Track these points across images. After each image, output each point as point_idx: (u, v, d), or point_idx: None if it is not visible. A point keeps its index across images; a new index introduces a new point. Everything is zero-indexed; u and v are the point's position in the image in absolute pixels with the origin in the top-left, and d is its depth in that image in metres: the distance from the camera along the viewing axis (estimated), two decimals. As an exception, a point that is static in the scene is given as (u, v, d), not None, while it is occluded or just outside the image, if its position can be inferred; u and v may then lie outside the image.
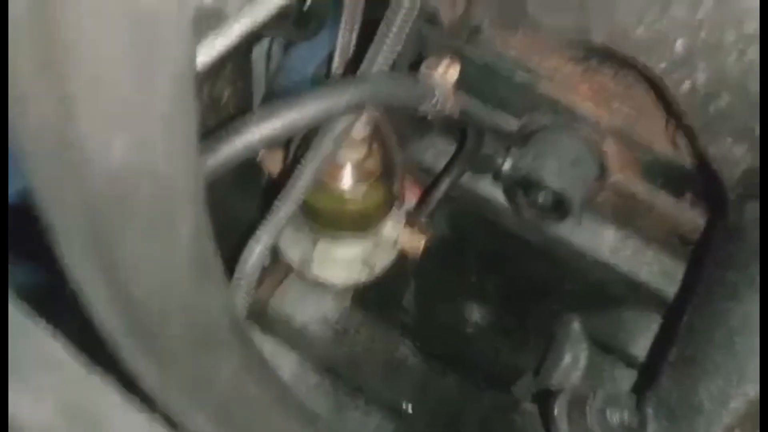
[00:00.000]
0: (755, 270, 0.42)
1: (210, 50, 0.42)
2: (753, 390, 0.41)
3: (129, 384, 0.25)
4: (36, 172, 0.16)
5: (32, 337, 0.22)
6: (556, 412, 0.52)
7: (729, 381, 0.42)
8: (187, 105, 0.16)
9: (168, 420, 0.26)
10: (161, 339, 0.22)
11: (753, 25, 0.38)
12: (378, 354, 0.84)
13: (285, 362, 0.84)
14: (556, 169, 0.60)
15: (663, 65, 0.43)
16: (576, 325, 0.79)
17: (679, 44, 0.41)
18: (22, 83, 0.14)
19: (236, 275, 0.55)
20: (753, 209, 0.43)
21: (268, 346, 0.80)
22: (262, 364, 0.28)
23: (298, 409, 0.30)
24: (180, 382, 0.24)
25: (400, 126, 0.67)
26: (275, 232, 0.55)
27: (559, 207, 0.61)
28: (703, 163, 0.48)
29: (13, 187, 0.42)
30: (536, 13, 0.43)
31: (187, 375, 0.24)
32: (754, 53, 0.39)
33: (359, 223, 0.69)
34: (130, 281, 0.19)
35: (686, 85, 0.43)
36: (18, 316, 0.22)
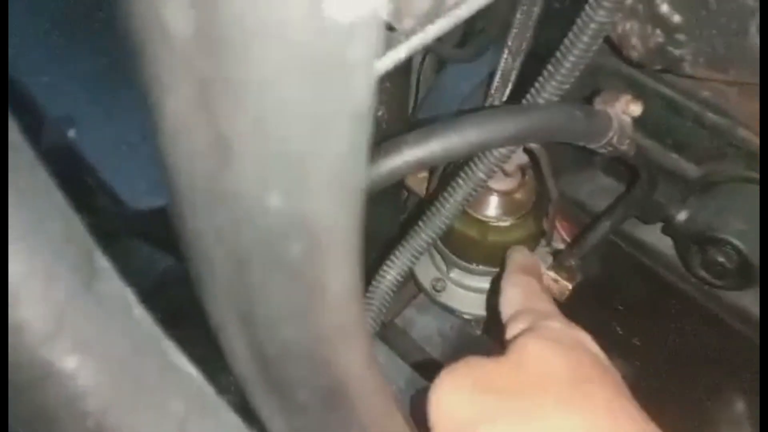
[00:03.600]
0: None
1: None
2: None
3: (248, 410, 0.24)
4: (180, 213, 0.14)
5: (159, 353, 0.21)
6: None
7: None
8: (360, 151, 0.14)
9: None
10: (292, 394, 0.19)
11: None
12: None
13: (397, 373, 0.82)
14: (744, 228, 0.51)
15: None
16: (740, 406, 0.68)
17: None
18: (174, 117, 0.12)
19: (368, 295, 0.53)
20: None
21: (382, 356, 0.79)
22: (397, 420, 0.25)
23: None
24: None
25: (559, 156, 0.61)
26: (412, 257, 0.53)
27: (743, 273, 0.52)
28: None
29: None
30: (759, 52, 0.36)
31: (311, 428, 0.21)
32: None
33: (500, 256, 0.64)
34: (268, 339, 0.17)
35: None
36: (146, 326, 0.21)
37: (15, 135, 0.17)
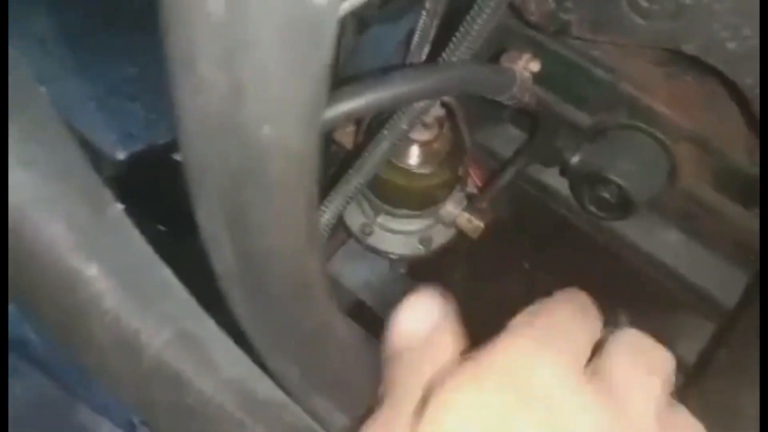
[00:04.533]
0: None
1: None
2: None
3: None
4: (192, 144, 0.19)
5: (155, 268, 0.25)
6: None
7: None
8: (322, 90, 0.19)
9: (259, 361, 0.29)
10: (266, 287, 0.25)
11: None
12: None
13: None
14: (626, 167, 0.61)
15: (749, 81, 0.43)
16: (623, 318, 0.80)
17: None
18: (199, 72, 0.17)
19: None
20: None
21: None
22: (343, 321, 0.31)
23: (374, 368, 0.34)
24: (272, 323, 0.27)
25: (472, 110, 0.68)
26: (344, 202, 0.58)
27: (624, 205, 0.62)
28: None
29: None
30: (631, 16, 0.43)
31: (279, 318, 0.27)
32: None
33: (421, 200, 0.71)
34: (253, 239, 0.22)
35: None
36: (143, 245, 0.25)
37: (26, 79, 0.21)
